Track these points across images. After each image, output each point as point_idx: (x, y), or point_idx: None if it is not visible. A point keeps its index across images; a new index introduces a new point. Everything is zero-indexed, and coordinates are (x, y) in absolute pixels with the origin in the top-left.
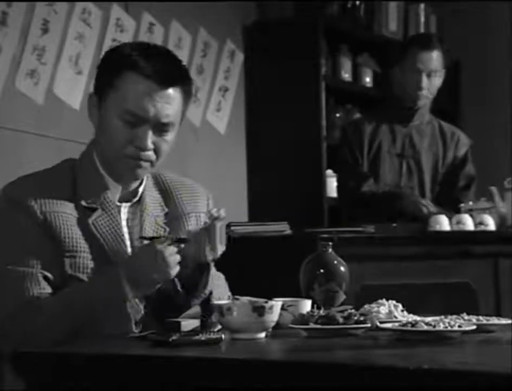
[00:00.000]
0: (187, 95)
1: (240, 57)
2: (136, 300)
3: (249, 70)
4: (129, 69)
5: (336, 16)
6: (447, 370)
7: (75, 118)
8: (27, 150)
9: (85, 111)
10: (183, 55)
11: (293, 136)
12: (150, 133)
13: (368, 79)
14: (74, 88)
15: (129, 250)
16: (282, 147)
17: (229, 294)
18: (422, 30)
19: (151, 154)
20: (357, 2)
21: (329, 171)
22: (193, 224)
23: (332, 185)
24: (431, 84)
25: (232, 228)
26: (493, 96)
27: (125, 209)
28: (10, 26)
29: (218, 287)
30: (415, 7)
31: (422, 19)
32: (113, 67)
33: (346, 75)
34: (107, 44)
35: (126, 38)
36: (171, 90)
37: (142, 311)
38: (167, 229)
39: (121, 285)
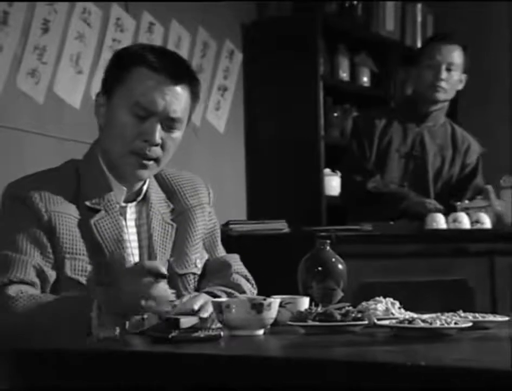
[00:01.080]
0: (194, 96)
1: (238, 56)
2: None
3: (247, 70)
4: (139, 64)
5: (334, 15)
6: (444, 367)
7: (75, 117)
8: (28, 149)
9: (85, 110)
10: (182, 55)
11: (291, 134)
12: (159, 127)
13: (365, 79)
14: (74, 88)
15: (129, 251)
16: (280, 146)
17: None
18: (419, 29)
19: (157, 149)
20: (355, 2)
21: (327, 170)
22: (199, 216)
23: (330, 184)
24: (450, 78)
25: (231, 226)
26: (491, 96)
27: (131, 209)
28: (11, 26)
29: (235, 262)
30: (412, 6)
31: (419, 18)
32: (123, 63)
33: (344, 75)
34: (107, 44)
35: (126, 37)
36: (179, 88)
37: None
38: (174, 225)
39: (89, 312)
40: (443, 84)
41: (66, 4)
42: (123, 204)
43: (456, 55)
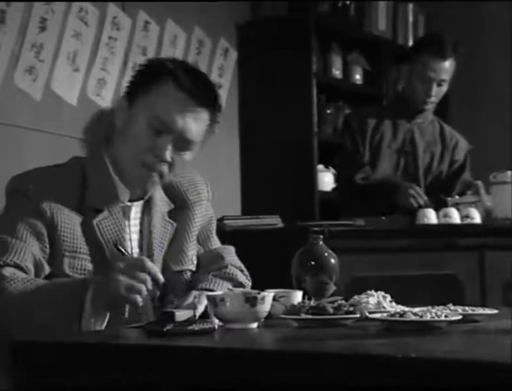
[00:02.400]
0: (213, 121)
1: (233, 55)
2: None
3: (242, 68)
4: (167, 78)
5: (327, 15)
6: (434, 359)
7: (72, 113)
8: (26, 145)
9: (82, 107)
10: (177, 53)
11: (285, 131)
12: (171, 146)
13: (357, 76)
14: (71, 85)
15: (129, 250)
16: (274, 143)
17: (240, 263)
18: (410, 29)
19: (165, 167)
20: (347, 2)
21: (320, 166)
22: (197, 213)
23: (323, 179)
24: (440, 91)
25: (225, 221)
26: (482, 94)
27: (136, 208)
28: (9, 24)
29: (229, 254)
30: (404, 6)
31: (411, 18)
32: (151, 73)
33: (337, 73)
34: (104, 42)
35: (122, 36)
36: (201, 111)
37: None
38: (175, 224)
39: (83, 296)
40: (432, 99)
41: (63, 3)
42: (128, 203)
43: (449, 70)
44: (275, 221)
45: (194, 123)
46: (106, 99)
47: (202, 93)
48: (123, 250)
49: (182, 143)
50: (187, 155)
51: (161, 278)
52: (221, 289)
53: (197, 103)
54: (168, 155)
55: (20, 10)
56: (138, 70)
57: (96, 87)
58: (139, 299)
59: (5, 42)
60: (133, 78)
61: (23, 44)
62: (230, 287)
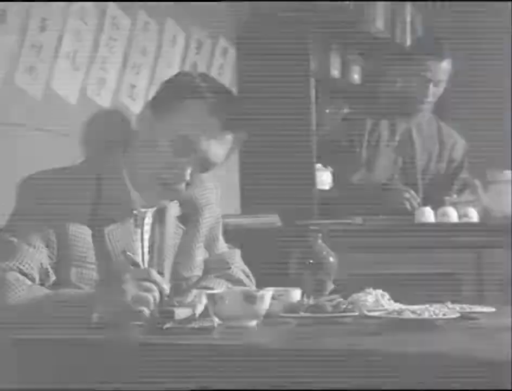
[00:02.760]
0: (237, 143)
1: (232, 54)
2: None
3: (241, 67)
4: (196, 97)
5: (326, 14)
6: (432, 356)
7: (72, 112)
8: (26, 144)
9: (82, 106)
10: (177, 52)
11: (284, 130)
12: (191, 167)
13: (356, 76)
14: (71, 84)
15: (139, 258)
16: (273, 142)
17: (245, 267)
18: (408, 28)
19: (183, 187)
20: (346, 2)
21: (319, 165)
22: (207, 217)
23: (322, 178)
24: (437, 91)
25: (224, 220)
26: (479, 93)
27: (149, 213)
28: (9, 24)
29: (234, 258)
30: (402, 6)
31: (408, 18)
32: (180, 89)
33: (336, 72)
34: (103, 42)
35: (122, 35)
36: (228, 134)
37: None
38: (184, 228)
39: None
40: (429, 99)
41: (64, 3)
42: (142, 210)
43: (445, 70)
44: (273, 220)
45: (219, 146)
46: (105, 99)
47: (229, 117)
48: (131, 256)
49: (203, 164)
50: (206, 174)
51: (166, 289)
52: (220, 288)
53: (224, 128)
54: (187, 174)
55: (20, 10)
56: (167, 83)
57: (96, 87)
58: (145, 311)
59: (5, 42)
60: (161, 90)
61: (23, 44)
62: (230, 285)
